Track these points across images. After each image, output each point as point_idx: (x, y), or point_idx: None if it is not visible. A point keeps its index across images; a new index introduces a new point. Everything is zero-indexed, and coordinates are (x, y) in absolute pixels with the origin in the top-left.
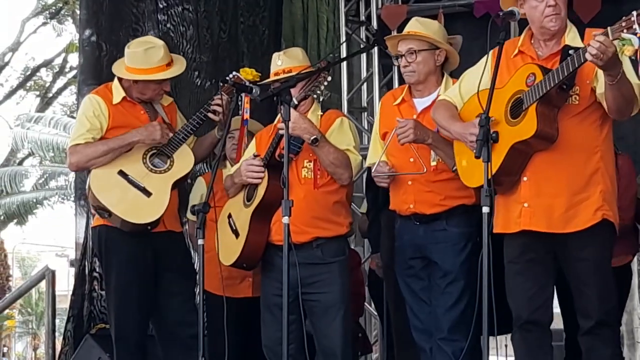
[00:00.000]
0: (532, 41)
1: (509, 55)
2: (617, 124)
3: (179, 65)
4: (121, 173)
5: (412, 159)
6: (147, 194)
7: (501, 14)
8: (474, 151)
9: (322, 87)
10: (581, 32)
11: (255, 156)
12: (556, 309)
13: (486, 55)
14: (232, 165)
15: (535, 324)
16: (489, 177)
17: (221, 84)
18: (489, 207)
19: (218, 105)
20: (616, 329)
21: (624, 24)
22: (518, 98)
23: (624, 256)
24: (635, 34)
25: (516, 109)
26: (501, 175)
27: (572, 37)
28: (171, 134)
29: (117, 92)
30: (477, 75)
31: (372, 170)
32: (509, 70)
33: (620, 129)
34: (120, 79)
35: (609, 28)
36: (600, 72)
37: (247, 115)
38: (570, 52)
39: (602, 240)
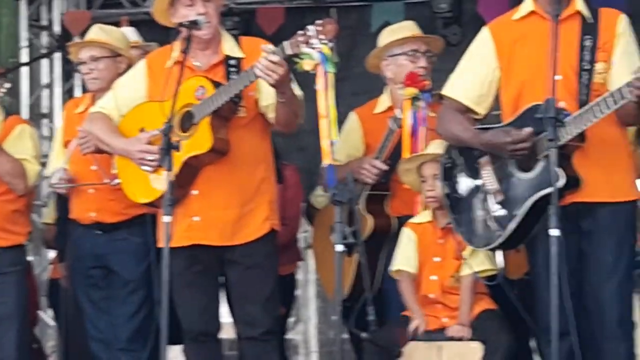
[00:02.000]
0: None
1: (161, 64)
2: (298, 136)
3: None
4: None
5: (93, 167)
6: None
7: (185, 22)
8: (143, 167)
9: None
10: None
11: None
12: (224, 318)
13: (140, 64)
14: None
15: (207, 335)
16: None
17: None
18: (170, 216)
19: None
20: (279, 337)
21: (300, 38)
22: (188, 111)
23: (290, 265)
24: (314, 49)
25: (186, 122)
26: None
27: (230, 47)
28: None
29: None
30: (131, 85)
31: (51, 180)
32: (167, 80)
33: (302, 140)
34: None
35: (284, 43)
36: (264, 84)
37: None
38: (232, 62)
39: (270, 250)
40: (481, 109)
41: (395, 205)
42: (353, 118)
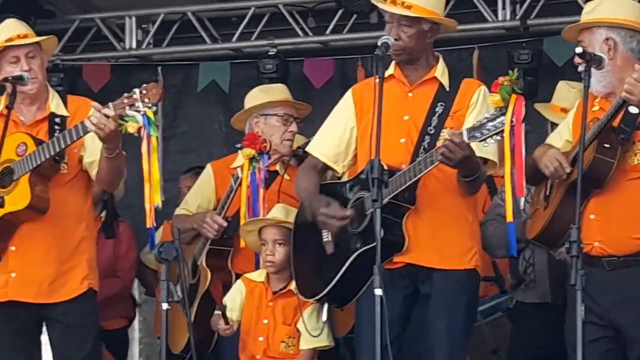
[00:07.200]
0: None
1: None
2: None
3: None
4: None
5: None
6: None
7: (9, 78)
8: None
9: None
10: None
11: None
12: None
13: None
14: None
15: None
16: None
17: None
18: None
19: None
20: None
21: (126, 100)
22: (8, 167)
23: (120, 319)
24: (139, 111)
25: (6, 178)
26: None
27: (56, 104)
28: None
29: None
30: None
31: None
32: None
33: (127, 198)
34: None
35: (110, 104)
36: (89, 141)
37: None
38: (57, 119)
39: (88, 308)
40: (338, 167)
41: (237, 261)
42: (207, 170)
